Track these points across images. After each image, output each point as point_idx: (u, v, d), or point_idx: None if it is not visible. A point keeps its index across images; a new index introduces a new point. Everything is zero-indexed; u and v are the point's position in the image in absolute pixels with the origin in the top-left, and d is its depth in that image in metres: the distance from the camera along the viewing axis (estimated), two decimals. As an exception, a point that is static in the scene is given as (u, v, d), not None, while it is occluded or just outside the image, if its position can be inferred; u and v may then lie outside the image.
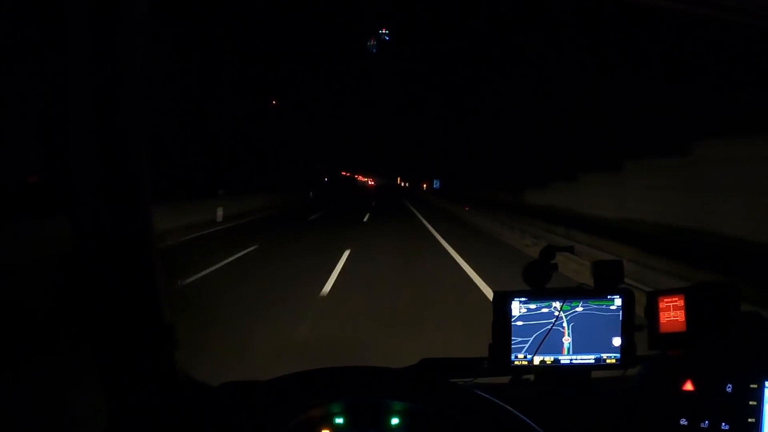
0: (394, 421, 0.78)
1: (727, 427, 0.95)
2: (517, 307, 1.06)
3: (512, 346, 1.07)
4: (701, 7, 0.82)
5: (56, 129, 0.75)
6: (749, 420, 0.95)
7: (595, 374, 1.11)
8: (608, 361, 1.09)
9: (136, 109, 0.76)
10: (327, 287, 6.08)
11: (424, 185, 45.78)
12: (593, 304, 1.07)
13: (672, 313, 1.08)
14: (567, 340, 1.08)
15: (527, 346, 1.07)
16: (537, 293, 1.07)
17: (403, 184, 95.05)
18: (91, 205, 0.74)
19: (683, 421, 0.96)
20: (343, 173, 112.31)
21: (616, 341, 1.08)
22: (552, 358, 1.08)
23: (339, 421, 0.78)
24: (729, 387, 0.96)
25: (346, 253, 8.71)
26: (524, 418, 0.70)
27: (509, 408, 0.71)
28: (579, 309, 1.07)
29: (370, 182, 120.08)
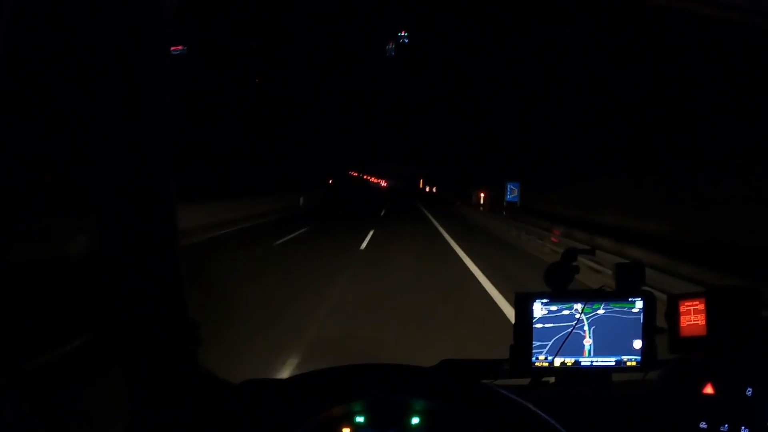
0: (415, 420, 0.78)
1: (747, 431, 0.94)
2: (538, 309, 1.06)
3: (533, 348, 1.07)
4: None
5: (83, 128, 0.76)
6: None
7: (615, 377, 1.10)
8: (629, 363, 1.08)
9: (162, 108, 0.77)
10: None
11: (482, 194, 25.03)
12: (614, 307, 1.07)
13: (692, 316, 1.07)
14: (588, 342, 1.07)
15: (548, 347, 1.07)
16: (558, 295, 1.07)
17: (428, 189, 73.61)
18: (117, 203, 0.75)
19: (703, 425, 0.95)
20: (353, 173, 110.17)
21: (637, 344, 1.08)
22: (573, 360, 1.08)
23: (359, 419, 0.78)
24: (749, 391, 0.95)
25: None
26: (548, 418, 0.70)
27: (533, 408, 0.71)
28: (600, 311, 1.07)
29: (382, 184, 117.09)
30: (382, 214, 21.52)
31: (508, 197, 19.11)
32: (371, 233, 12.62)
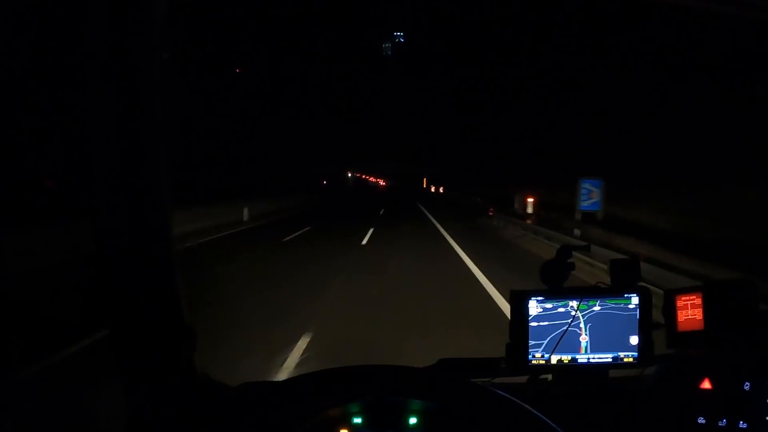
0: (412, 420, 0.78)
1: (745, 426, 0.94)
2: (534, 307, 1.06)
3: (529, 346, 1.07)
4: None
5: (78, 132, 0.76)
6: (767, 418, 0.94)
7: (612, 373, 1.11)
8: (626, 359, 1.08)
9: (155, 112, 0.77)
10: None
11: (529, 200, 15.14)
12: (610, 303, 1.07)
13: (690, 311, 1.07)
14: (584, 339, 1.08)
15: (544, 345, 1.07)
16: (554, 292, 1.07)
17: (433, 189, 63.98)
18: (112, 207, 0.75)
19: (701, 420, 0.96)
20: (349, 173, 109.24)
21: (634, 340, 1.08)
22: (569, 357, 1.08)
23: (357, 420, 0.78)
24: (747, 385, 0.96)
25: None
26: (543, 417, 0.70)
27: (528, 407, 0.71)
28: (596, 308, 1.07)
29: (381, 183, 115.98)
30: (364, 242, 11.77)
31: (583, 205, 12.00)
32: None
